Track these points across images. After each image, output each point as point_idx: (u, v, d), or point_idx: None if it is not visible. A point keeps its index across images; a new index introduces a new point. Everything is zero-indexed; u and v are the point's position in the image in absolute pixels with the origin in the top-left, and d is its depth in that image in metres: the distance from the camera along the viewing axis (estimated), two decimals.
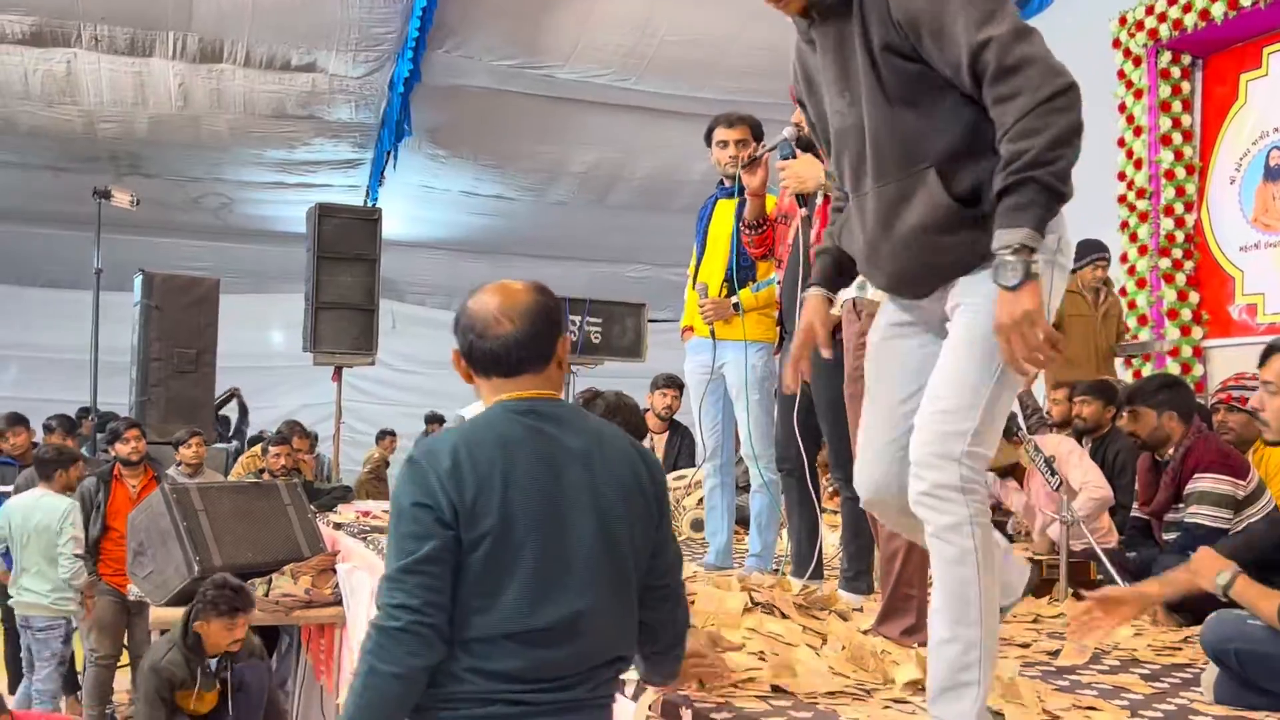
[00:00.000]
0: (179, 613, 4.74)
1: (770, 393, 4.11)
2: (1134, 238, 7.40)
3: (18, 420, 7.25)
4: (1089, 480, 4.37)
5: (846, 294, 3.06)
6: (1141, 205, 7.39)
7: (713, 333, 4.25)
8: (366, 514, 6.38)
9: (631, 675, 2.52)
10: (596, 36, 8.88)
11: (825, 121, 2.29)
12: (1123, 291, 7.44)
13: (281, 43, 8.59)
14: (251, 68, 8.73)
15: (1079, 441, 5.24)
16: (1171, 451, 4.12)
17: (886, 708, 2.38)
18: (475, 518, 1.84)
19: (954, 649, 2.01)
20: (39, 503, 5.97)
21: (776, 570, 4.18)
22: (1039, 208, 1.92)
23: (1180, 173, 7.34)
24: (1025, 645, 3.13)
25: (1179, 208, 7.34)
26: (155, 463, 6.43)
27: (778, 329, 3.98)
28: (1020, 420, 4.69)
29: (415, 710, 1.83)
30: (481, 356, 1.98)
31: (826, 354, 2.39)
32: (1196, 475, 3.92)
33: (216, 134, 9.51)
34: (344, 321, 7.44)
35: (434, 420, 11.13)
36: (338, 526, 5.85)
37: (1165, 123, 7.35)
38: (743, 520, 4.61)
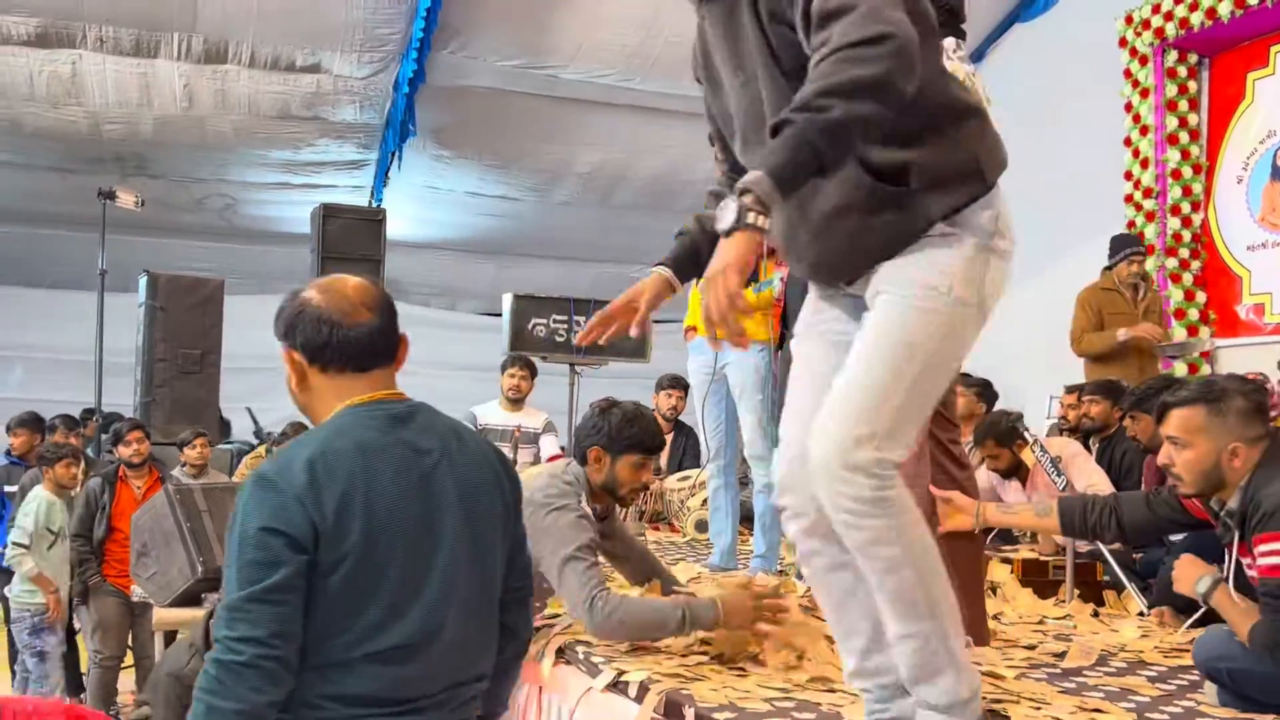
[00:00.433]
0: (182, 614, 4.72)
1: (772, 393, 4.10)
2: (1141, 237, 7.38)
3: (23, 422, 7.28)
4: (1094, 484, 4.35)
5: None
6: (1148, 205, 7.37)
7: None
8: None
9: (637, 676, 2.51)
10: (600, 37, 8.87)
11: (724, 106, 2.11)
12: None
13: (286, 44, 8.59)
14: (256, 69, 8.73)
15: (1087, 442, 5.23)
16: None
17: None
18: (337, 537, 1.71)
19: (913, 643, 1.95)
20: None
21: (782, 572, 4.17)
22: (787, 153, 1.66)
23: (1187, 172, 7.32)
24: (1031, 647, 3.11)
25: (1186, 207, 7.32)
26: (160, 464, 6.43)
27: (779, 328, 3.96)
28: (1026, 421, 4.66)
29: None
30: (341, 345, 1.84)
31: (634, 333, 2.21)
32: None
33: (221, 135, 9.51)
34: None
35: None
36: None
37: (1172, 122, 7.33)
38: (747, 520, 4.60)
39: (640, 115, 9.65)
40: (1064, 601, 3.85)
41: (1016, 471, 4.76)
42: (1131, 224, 7.43)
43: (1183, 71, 7.37)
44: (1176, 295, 7.21)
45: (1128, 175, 7.50)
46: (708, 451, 4.60)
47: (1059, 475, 4.06)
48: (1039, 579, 4.02)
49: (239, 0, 8.10)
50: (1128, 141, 7.51)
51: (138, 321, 8.17)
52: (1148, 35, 7.37)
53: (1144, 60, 7.42)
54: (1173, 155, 7.32)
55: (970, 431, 4.98)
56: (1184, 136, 7.34)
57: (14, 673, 6.34)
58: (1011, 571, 4.05)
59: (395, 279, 9.84)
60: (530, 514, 2.72)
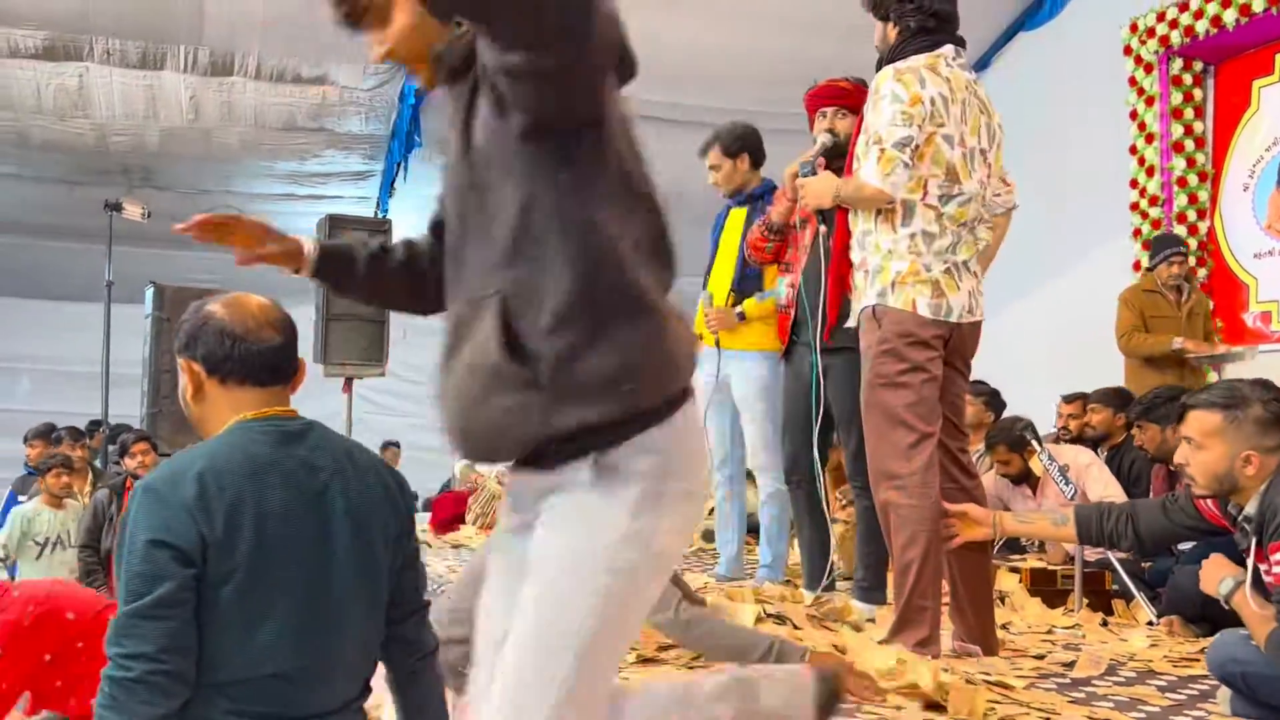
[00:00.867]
0: None
1: (776, 403, 4.09)
2: (1147, 245, 7.36)
3: (39, 433, 7.35)
4: (1109, 494, 4.33)
5: (866, 301, 3.03)
6: (1154, 213, 7.36)
7: (717, 342, 4.24)
8: None
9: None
10: None
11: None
12: None
13: (292, 55, 8.62)
14: (262, 80, 8.77)
15: (1094, 450, 5.22)
16: None
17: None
18: (226, 550, 1.71)
19: None
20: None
21: (788, 581, 4.16)
22: None
23: (1193, 180, 7.31)
24: (1040, 657, 3.11)
25: (1192, 215, 7.30)
26: None
27: (785, 338, 3.95)
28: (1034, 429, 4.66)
29: None
30: (242, 359, 1.86)
31: (239, 259, 1.91)
32: None
33: (227, 146, 9.54)
34: (354, 333, 7.45)
35: (391, 446, 11.10)
36: None
37: (1177, 130, 7.32)
38: (753, 531, 4.59)
39: (645, 126, 9.51)
40: (1072, 611, 3.84)
41: (1027, 478, 4.75)
42: (1138, 232, 7.42)
43: (1188, 79, 7.36)
44: None
45: (1133, 183, 7.49)
46: (712, 461, 4.60)
47: (1067, 484, 4.06)
48: (1047, 588, 4.01)
49: (244, 13, 8.13)
50: (1133, 149, 7.50)
51: (144, 333, 8.18)
52: (1152, 43, 7.36)
53: (1149, 68, 7.42)
54: (1178, 163, 7.31)
55: (978, 440, 4.98)
56: (1189, 144, 7.33)
57: None
58: (1020, 581, 4.04)
59: None
60: None
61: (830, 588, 3.89)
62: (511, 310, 1.52)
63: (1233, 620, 2.59)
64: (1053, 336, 7.54)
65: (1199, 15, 7.02)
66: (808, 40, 7.85)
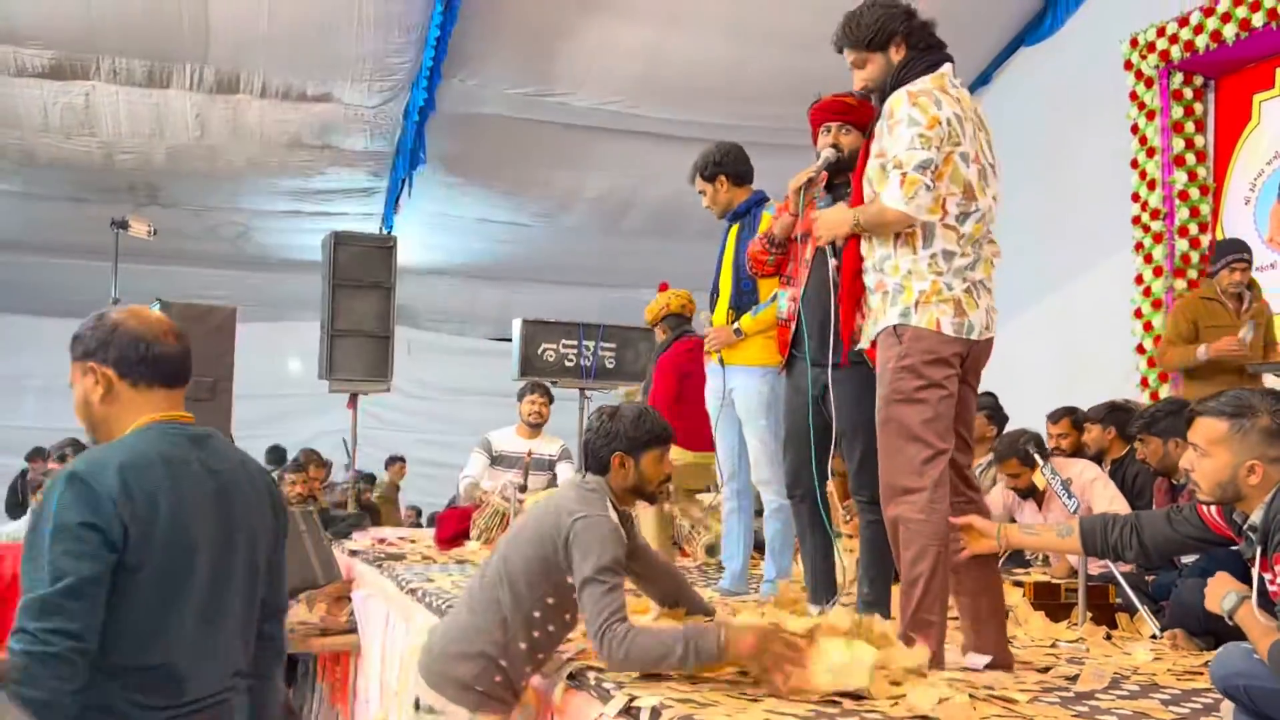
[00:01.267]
0: None
1: (777, 417, 4.09)
2: (1149, 259, 7.39)
3: (39, 451, 7.36)
4: (1114, 509, 4.33)
5: (886, 321, 3.02)
6: (1156, 226, 7.38)
7: (720, 359, 4.27)
8: (382, 541, 6.38)
9: (648, 702, 2.51)
10: (608, 65, 8.93)
11: None
12: (1138, 313, 7.41)
13: (297, 74, 8.67)
14: (268, 98, 8.82)
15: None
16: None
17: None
18: (143, 540, 1.85)
19: None
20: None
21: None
22: None
23: (1194, 193, 7.33)
24: (1044, 670, 3.11)
25: (1193, 228, 7.33)
26: None
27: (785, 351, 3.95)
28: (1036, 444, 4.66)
29: None
30: (155, 361, 2.03)
31: None
32: None
33: (233, 164, 9.59)
34: (359, 349, 7.48)
35: (397, 460, 11.14)
36: (353, 554, 5.85)
37: (1178, 144, 7.35)
38: (759, 547, 4.60)
39: (648, 142, 9.71)
40: (1076, 625, 3.84)
41: (1033, 493, 4.76)
42: (1139, 245, 7.44)
43: (1188, 93, 7.40)
44: None
45: (1135, 197, 7.51)
46: (720, 475, 4.61)
47: (1070, 498, 4.06)
48: (1051, 602, 4.01)
49: (250, 31, 8.19)
50: (1134, 163, 7.53)
51: None
52: (1153, 58, 7.39)
53: (1149, 83, 7.45)
54: (1180, 177, 7.34)
55: (981, 454, 4.98)
56: (1191, 158, 7.36)
57: None
58: (1024, 595, 4.04)
59: (406, 305, 9.89)
60: (558, 522, 2.78)
61: (834, 601, 3.89)
62: None
63: (1236, 634, 2.59)
64: (1055, 349, 7.56)
65: (1199, 30, 7.06)
66: (808, 56, 7.89)
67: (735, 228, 4.36)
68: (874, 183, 3.07)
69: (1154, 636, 3.72)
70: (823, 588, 3.89)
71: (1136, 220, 7.48)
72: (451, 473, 7.53)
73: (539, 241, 11.28)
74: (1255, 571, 2.53)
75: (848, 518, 4.81)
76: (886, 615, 3.62)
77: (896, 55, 3.09)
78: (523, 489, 6.07)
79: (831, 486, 3.91)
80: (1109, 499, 4.46)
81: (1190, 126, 7.38)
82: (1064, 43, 8.45)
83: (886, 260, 3.04)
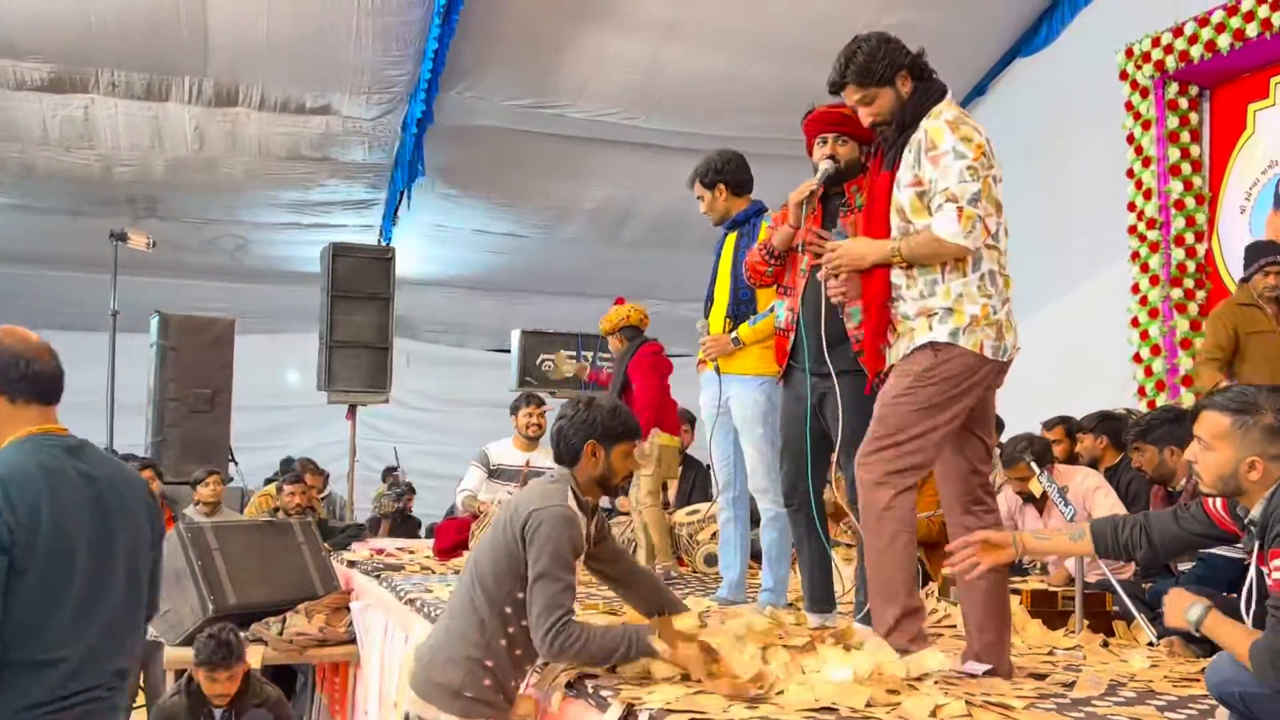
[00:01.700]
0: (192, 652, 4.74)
1: (774, 426, 4.09)
2: (1145, 268, 7.42)
3: None
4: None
5: (931, 336, 3.00)
6: (1152, 235, 7.40)
7: (717, 367, 4.28)
8: (380, 551, 6.38)
9: (646, 708, 2.52)
10: (606, 76, 8.97)
11: None
12: (1134, 322, 7.43)
13: (295, 86, 8.71)
14: (266, 111, 8.85)
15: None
16: (1183, 483, 4.10)
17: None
18: (28, 544, 2.00)
19: None
20: None
21: (791, 605, 4.16)
22: None
23: (1190, 203, 7.36)
24: (1041, 677, 3.11)
25: (1189, 238, 7.35)
26: (172, 502, 6.46)
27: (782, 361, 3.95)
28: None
29: None
30: (36, 378, 2.18)
31: None
32: None
33: (232, 176, 9.62)
34: (357, 360, 7.49)
35: (393, 472, 11.08)
36: (351, 564, 5.86)
37: (1174, 153, 7.38)
38: (756, 557, 4.60)
39: (645, 152, 9.74)
40: (1073, 632, 3.84)
41: (1034, 500, 4.78)
42: (1135, 255, 7.46)
43: (1184, 103, 7.43)
44: (1182, 325, 7.24)
45: (1131, 206, 7.54)
46: (717, 485, 4.62)
47: (1066, 505, 4.07)
48: (1048, 609, 4.01)
49: (248, 44, 8.22)
50: (1130, 173, 7.56)
51: (149, 361, 8.23)
52: (1148, 68, 7.43)
53: (1145, 92, 7.48)
54: (1175, 186, 7.36)
55: None
56: (1186, 168, 7.38)
57: None
58: (1021, 602, 4.04)
59: (405, 316, 9.89)
60: (518, 517, 2.84)
61: (831, 611, 3.90)
62: None
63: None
64: (1052, 358, 7.56)
65: (1194, 40, 7.09)
66: (804, 68, 7.92)
67: (733, 236, 4.37)
68: (908, 212, 3.04)
69: (1150, 643, 3.73)
70: (820, 597, 3.89)
71: (1133, 230, 7.51)
72: (450, 484, 7.53)
73: (537, 252, 11.30)
74: (1253, 565, 2.55)
75: (847, 530, 4.81)
76: None
77: (904, 86, 3.10)
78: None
79: (839, 497, 3.91)
80: (1110, 507, 4.47)
81: (1185, 136, 7.41)
82: (1059, 53, 8.49)
83: (935, 285, 3.01)
